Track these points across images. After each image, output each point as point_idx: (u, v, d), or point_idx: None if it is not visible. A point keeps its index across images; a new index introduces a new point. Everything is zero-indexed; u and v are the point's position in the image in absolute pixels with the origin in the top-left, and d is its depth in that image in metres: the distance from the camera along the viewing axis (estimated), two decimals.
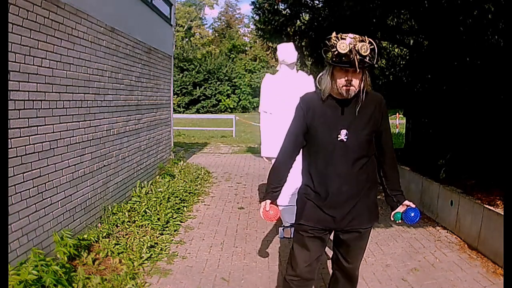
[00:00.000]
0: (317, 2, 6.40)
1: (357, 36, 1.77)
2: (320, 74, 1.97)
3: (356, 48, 1.73)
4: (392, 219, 2.06)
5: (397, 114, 14.94)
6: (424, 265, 3.41)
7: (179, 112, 25.68)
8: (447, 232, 4.17)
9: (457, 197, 4.05)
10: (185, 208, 4.92)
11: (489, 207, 3.53)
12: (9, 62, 2.56)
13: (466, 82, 4.54)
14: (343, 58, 1.76)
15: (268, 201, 2.08)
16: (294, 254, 2.12)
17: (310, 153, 2.03)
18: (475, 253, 3.60)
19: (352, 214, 1.98)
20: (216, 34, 39.90)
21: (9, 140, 2.60)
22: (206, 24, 45.96)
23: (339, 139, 1.90)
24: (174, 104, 8.84)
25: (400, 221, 2.03)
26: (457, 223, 4.04)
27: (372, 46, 1.77)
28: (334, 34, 1.77)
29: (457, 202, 4.03)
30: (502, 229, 2.81)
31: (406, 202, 2.03)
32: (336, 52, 1.76)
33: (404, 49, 6.68)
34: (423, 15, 5.01)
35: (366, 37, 1.77)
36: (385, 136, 2.03)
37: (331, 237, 2.17)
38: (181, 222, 4.47)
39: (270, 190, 2.10)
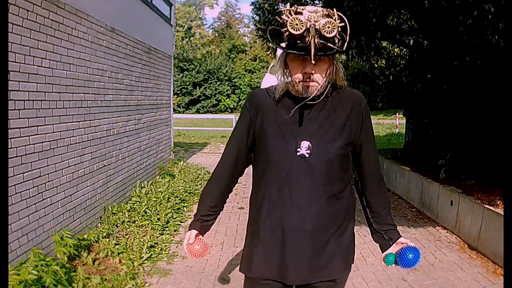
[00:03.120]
0: (317, 2, 6.39)
1: (319, 9, 1.23)
2: (272, 63, 1.46)
3: (317, 27, 1.19)
4: (382, 262, 1.49)
5: (397, 114, 14.96)
6: (424, 265, 3.41)
7: (179, 112, 25.69)
8: (447, 232, 4.17)
9: (457, 197, 4.04)
10: (185, 208, 4.92)
11: (489, 207, 3.53)
12: (9, 62, 2.56)
13: (466, 82, 4.55)
14: (298, 42, 1.23)
15: (194, 232, 1.48)
16: None
17: (258, 173, 1.45)
18: (475, 253, 3.60)
19: (321, 260, 1.39)
20: (216, 34, 39.92)
21: (9, 140, 2.60)
22: (206, 24, 46.13)
23: (298, 154, 1.35)
24: (174, 104, 8.84)
25: (394, 265, 1.45)
26: (457, 223, 4.04)
27: (343, 24, 1.23)
28: (288, 6, 1.25)
29: (457, 202, 4.03)
30: (502, 229, 2.81)
31: (402, 240, 1.45)
32: (288, 33, 1.22)
33: (404, 49, 6.69)
34: (423, 15, 5.01)
35: (335, 10, 1.24)
36: (366, 151, 1.44)
37: None
38: (181, 222, 4.47)
39: (199, 217, 1.50)
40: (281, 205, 1.38)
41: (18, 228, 2.71)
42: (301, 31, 1.20)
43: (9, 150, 2.59)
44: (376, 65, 7.08)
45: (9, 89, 2.57)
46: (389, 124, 17.42)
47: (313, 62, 1.20)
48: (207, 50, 34.57)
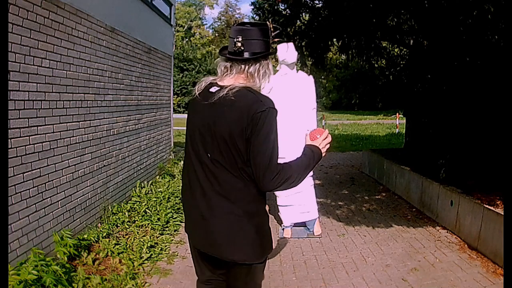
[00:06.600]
0: (317, 2, 6.40)
1: None
2: (266, 66, 1.69)
3: None
4: None
5: (397, 114, 14.95)
6: (424, 265, 3.41)
7: (179, 112, 25.58)
8: (447, 232, 4.17)
9: (457, 197, 4.04)
10: None
11: (489, 207, 3.53)
12: (9, 62, 2.56)
13: (466, 82, 4.54)
14: None
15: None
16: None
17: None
18: (475, 253, 3.59)
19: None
20: (216, 34, 39.91)
21: (9, 140, 2.60)
22: (206, 24, 46.06)
23: None
24: (174, 104, 8.84)
25: None
26: (457, 223, 4.04)
27: None
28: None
29: (457, 202, 4.03)
30: (502, 229, 2.81)
31: None
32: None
33: (404, 49, 6.68)
34: (423, 15, 5.00)
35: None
36: None
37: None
38: (181, 222, 4.47)
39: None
40: None
41: (18, 228, 2.71)
42: None
43: (9, 150, 2.60)
44: (376, 65, 7.08)
45: (9, 89, 2.57)
46: (389, 124, 17.43)
47: None
48: (207, 50, 34.56)
